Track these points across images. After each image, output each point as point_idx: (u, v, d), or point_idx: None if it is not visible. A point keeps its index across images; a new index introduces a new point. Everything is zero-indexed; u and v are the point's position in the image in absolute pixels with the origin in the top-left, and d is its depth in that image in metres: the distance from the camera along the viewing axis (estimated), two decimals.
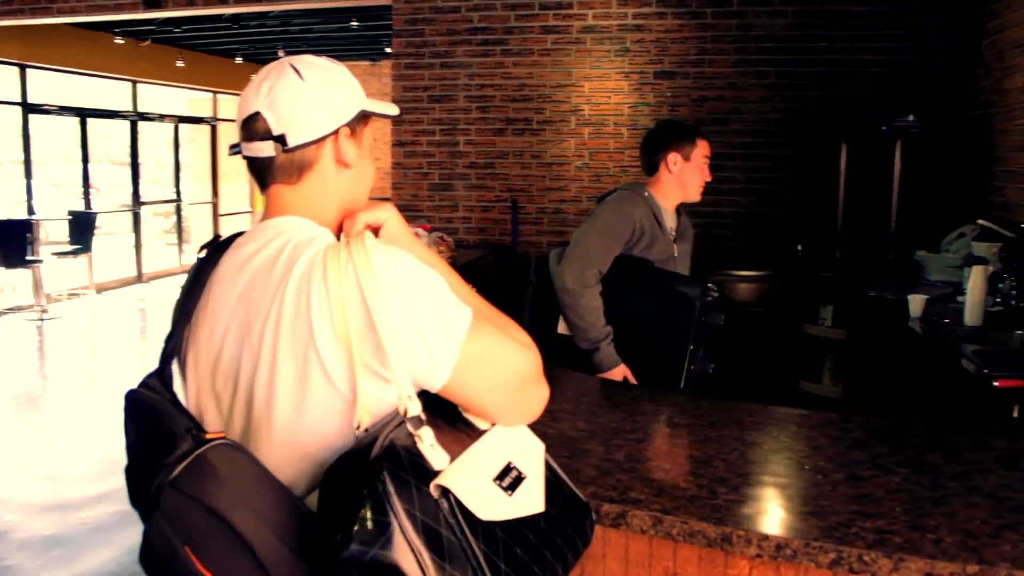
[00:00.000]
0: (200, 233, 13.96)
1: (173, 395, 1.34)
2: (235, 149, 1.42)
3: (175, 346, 1.38)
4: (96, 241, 10.48)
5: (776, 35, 6.19)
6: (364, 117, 1.43)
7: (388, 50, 11.01)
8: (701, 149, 3.24)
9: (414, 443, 1.17)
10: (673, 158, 3.24)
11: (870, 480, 1.71)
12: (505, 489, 1.23)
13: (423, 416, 1.20)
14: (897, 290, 4.57)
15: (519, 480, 1.26)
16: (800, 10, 6.13)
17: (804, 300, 5.56)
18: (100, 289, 11.05)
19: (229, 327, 1.31)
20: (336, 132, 1.37)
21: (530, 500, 1.26)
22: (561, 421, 2.05)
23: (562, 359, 2.81)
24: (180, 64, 11.70)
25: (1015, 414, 2.73)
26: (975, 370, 3.15)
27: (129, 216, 12.27)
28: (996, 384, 2.90)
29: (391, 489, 1.10)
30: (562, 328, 3.10)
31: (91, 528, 4.19)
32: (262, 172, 1.39)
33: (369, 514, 1.09)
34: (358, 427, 1.21)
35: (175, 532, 1.13)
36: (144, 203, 12.23)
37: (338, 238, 1.36)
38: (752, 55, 6.25)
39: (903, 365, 4.29)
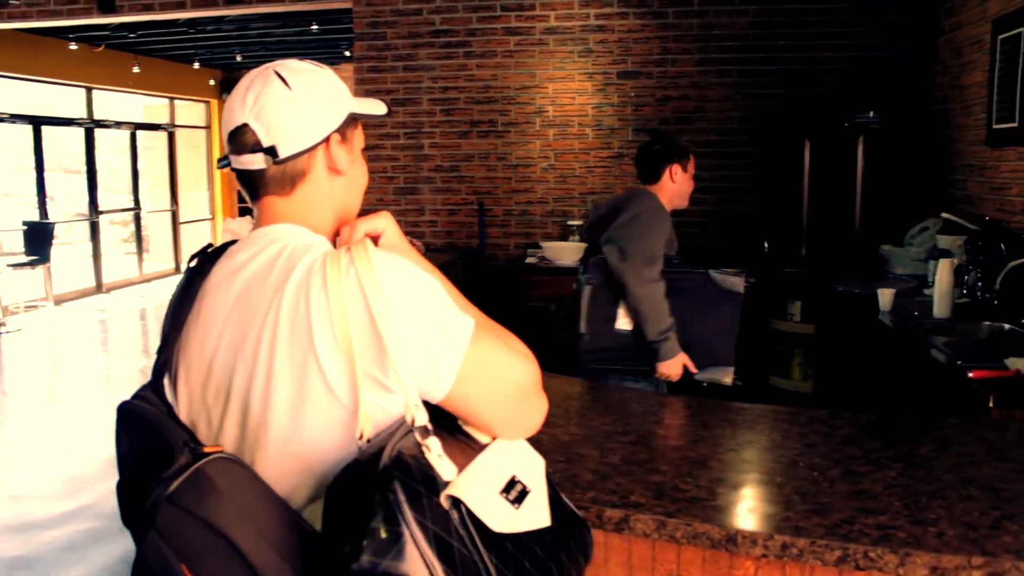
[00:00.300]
0: (160, 242, 13.75)
1: (169, 407, 1.31)
2: (223, 162, 1.38)
3: (167, 358, 1.35)
4: (52, 251, 10.29)
5: (737, 34, 6.25)
6: (353, 120, 1.41)
7: (347, 53, 10.97)
8: (692, 163, 3.62)
9: (422, 453, 1.15)
10: (675, 169, 3.53)
11: (866, 476, 1.72)
12: (512, 502, 1.21)
13: (430, 426, 1.18)
14: (863, 284, 4.63)
15: (524, 493, 1.24)
16: (761, 9, 6.18)
17: (772, 296, 5.61)
18: (59, 301, 10.84)
19: (222, 336, 1.28)
20: (327, 139, 1.34)
21: (536, 514, 1.24)
22: (553, 426, 2.04)
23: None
24: (136, 70, 11.52)
25: (991, 404, 2.76)
26: (946, 360, 3.19)
27: (85, 226, 12.06)
28: (971, 375, 2.93)
29: (402, 499, 1.08)
30: (622, 324, 3.29)
31: (61, 547, 4.10)
32: (253, 184, 1.35)
33: (381, 524, 1.06)
34: (360, 437, 1.18)
35: (171, 549, 1.10)
36: (103, 212, 12.01)
37: (335, 246, 1.34)
38: (714, 54, 6.29)
39: (874, 358, 4.34)
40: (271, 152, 1.30)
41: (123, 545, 4.07)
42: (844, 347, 4.82)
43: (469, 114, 6.63)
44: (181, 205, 13.81)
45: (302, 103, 1.31)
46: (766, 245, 5.86)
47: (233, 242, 1.38)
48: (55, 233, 10.40)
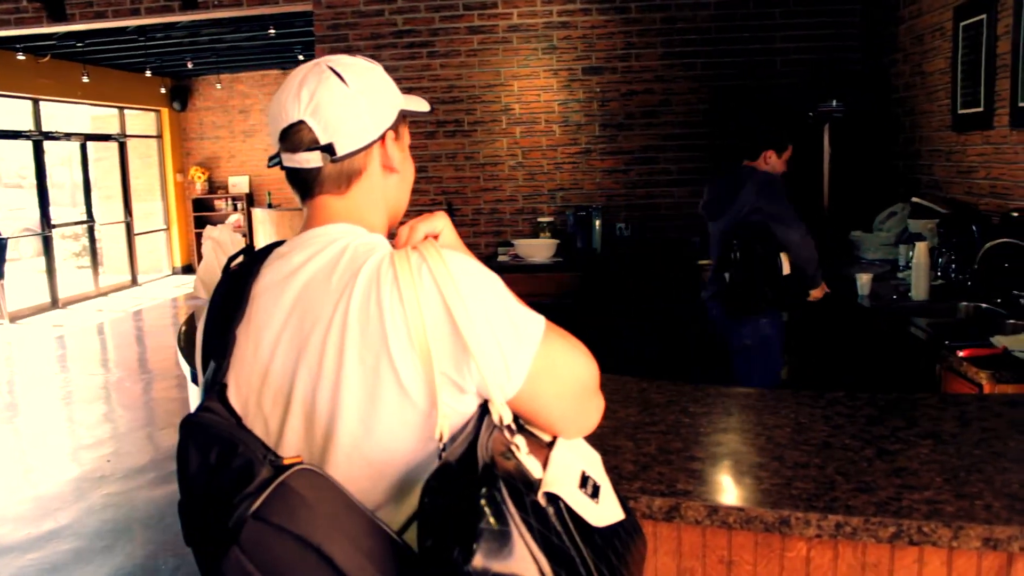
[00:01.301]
0: (115, 254, 13.47)
1: (238, 418, 1.24)
2: (274, 160, 1.35)
3: (227, 364, 1.29)
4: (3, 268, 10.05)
5: (700, 27, 6.31)
6: (403, 117, 1.39)
7: (301, 57, 10.86)
8: (789, 152, 4.28)
9: (512, 452, 1.14)
10: (770, 154, 4.24)
11: (900, 453, 1.75)
12: (590, 497, 1.21)
13: (514, 425, 1.18)
14: (835, 269, 4.70)
15: (598, 488, 1.24)
16: (722, 1, 6.26)
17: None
18: (13, 318, 10.59)
19: (279, 341, 1.24)
20: (383, 137, 1.33)
21: (613, 507, 1.24)
22: None
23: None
24: (85, 79, 11.28)
25: (982, 381, 2.83)
26: (929, 340, 3.25)
27: (34, 241, 11.78)
28: (960, 354, 2.99)
29: (507, 497, 1.06)
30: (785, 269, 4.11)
31: (45, 569, 4.00)
32: (307, 183, 1.32)
33: (492, 523, 1.04)
34: (440, 439, 1.16)
35: (257, 567, 1.06)
36: (55, 226, 11.74)
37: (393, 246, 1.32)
38: (678, 47, 6.35)
39: (854, 342, 4.42)
40: (328, 150, 1.28)
41: (108, 564, 3.99)
42: (821, 332, 4.90)
43: (435, 114, 6.61)
44: (135, 216, 13.56)
45: (359, 99, 1.29)
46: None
47: (279, 243, 1.34)
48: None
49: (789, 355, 4.80)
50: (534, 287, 5.97)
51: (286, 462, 1.12)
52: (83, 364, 8.70)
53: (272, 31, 8.97)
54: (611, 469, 1.70)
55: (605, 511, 1.22)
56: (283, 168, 1.33)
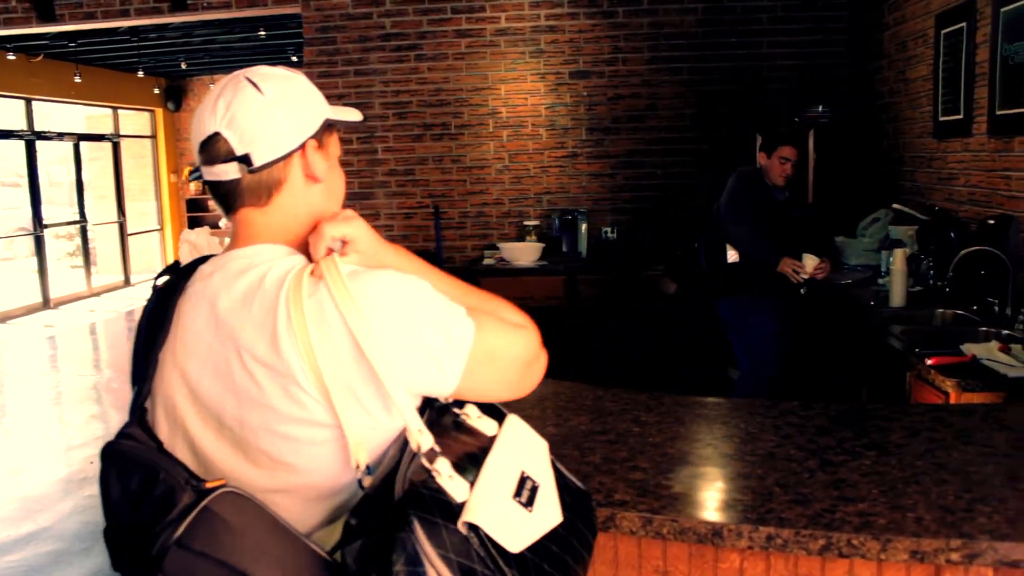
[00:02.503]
0: (108, 254, 13.48)
1: (159, 443, 1.24)
2: (195, 174, 1.32)
3: (148, 388, 1.28)
4: None
5: (687, 32, 6.32)
6: (329, 127, 1.36)
7: (294, 59, 10.86)
8: (784, 151, 4.61)
9: (432, 478, 1.13)
10: (761, 155, 4.70)
11: (843, 465, 1.75)
12: (525, 505, 1.20)
13: (436, 448, 1.16)
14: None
15: (535, 491, 1.23)
16: (709, 6, 6.27)
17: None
18: (4, 318, 10.59)
19: (205, 365, 1.22)
20: (303, 146, 1.29)
21: (549, 512, 1.24)
22: (531, 426, 2.04)
23: None
24: (78, 79, 11.28)
25: (948, 389, 2.83)
26: (903, 348, 3.26)
27: (27, 240, 11.79)
28: (929, 362, 3.00)
29: (421, 536, 1.07)
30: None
31: (23, 570, 4.01)
32: (228, 196, 1.29)
33: (403, 567, 1.05)
34: (357, 467, 1.16)
35: None
36: (47, 225, 11.75)
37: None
38: (664, 52, 6.36)
39: (837, 344, 4.43)
40: (245, 160, 1.25)
41: (86, 566, 4.00)
42: (803, 338, 4.91)
43: (422, 117, 6.61)
44: (129, 216, 13.55)
45: (276, 109, 1.26)
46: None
47: (204, 259, 1.32)
48: None
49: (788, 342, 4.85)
50: (519, 290, 5.97)
51: (209, 486, 1.12)
52: (74, 364, 8.71)
53: (262, 32, 8.97)
54: None
55: (539, 520, 1.21)
56: (204, 182, 1.32)
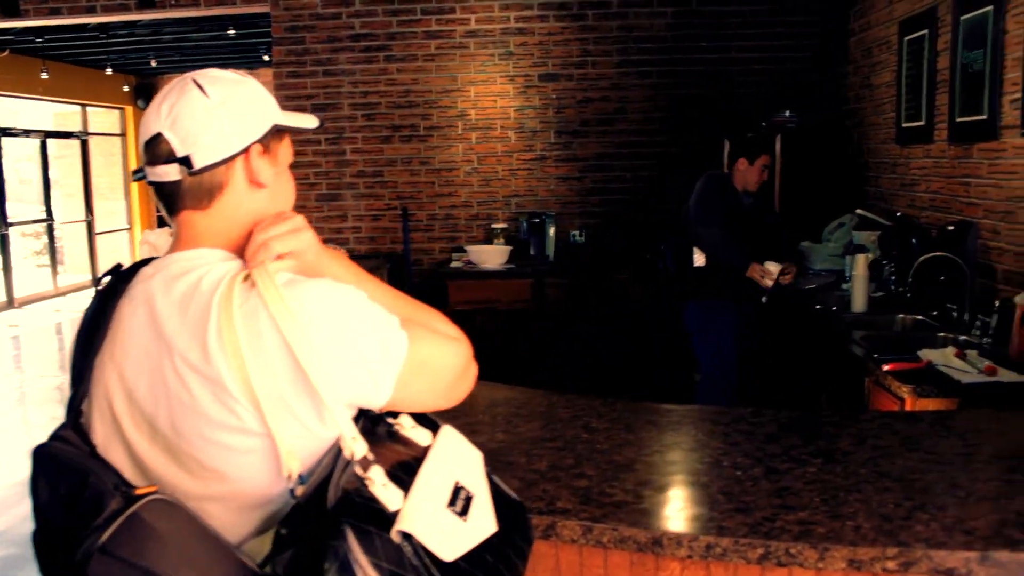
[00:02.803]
0: (75, 254, 13.32)
1: (92, 447, 1.22)
2: (139, 174, 1.31)
3: (85, 390, 1.27)
4: None
5: (657, 35, 6.33)
6: (279, 132, 1.35)
7: (266, 58, 10.78)
8: (763, 160, 4.69)
9: (365, 486, 1.13)
10: (741, 162, 4.72)
11: (788, 473, 1.75)
12: (459, 514, 1.20)
13: (370, 456, 1.16)
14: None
15: (469, 500, 1.23)
16: (679, 11, 6.28)
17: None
18: None
19: (141, 369, 1.21)
20: (247, 150, 1.28)
21: (483, 521, 1.24)
22: (480, 434, 2.04)
23: None
24: (44, 75, 11.14)
25: (904, 395, 2.84)
26: (863, 354, 3.27)
27: None
28: (886, 368, 3.01)
29: (354, 544, 1.06)
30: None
31: None
32: (170, 198, 1.28)
33: (333, 574, 1.05)
34: (289, 477, 1.15)
35: None
36: (12, 224, 11.59)
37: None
38: (634, 56, 6.37)
39: (802, 349, 4.45)
40: (186, 162, 1.24)
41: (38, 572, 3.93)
42: (765, 344, 4.93)
43: (391, 118, 6.59)
44: (97, 215, 13.38)
45: (219, 112, 1.25)
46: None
47: (146, 261, 1.31)
48: None
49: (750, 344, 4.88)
50: (486, 293, 5.97)
51: (139, 492, 1.10)
52: (37, 365, 8.60)
53: (232, 31, 8.90)
54: None
55: (473, 529, 1.21)
56: (149, 183, 1.30)
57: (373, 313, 1.22)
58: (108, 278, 1.33)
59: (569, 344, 5.97)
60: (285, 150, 1.37)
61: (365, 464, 1.15)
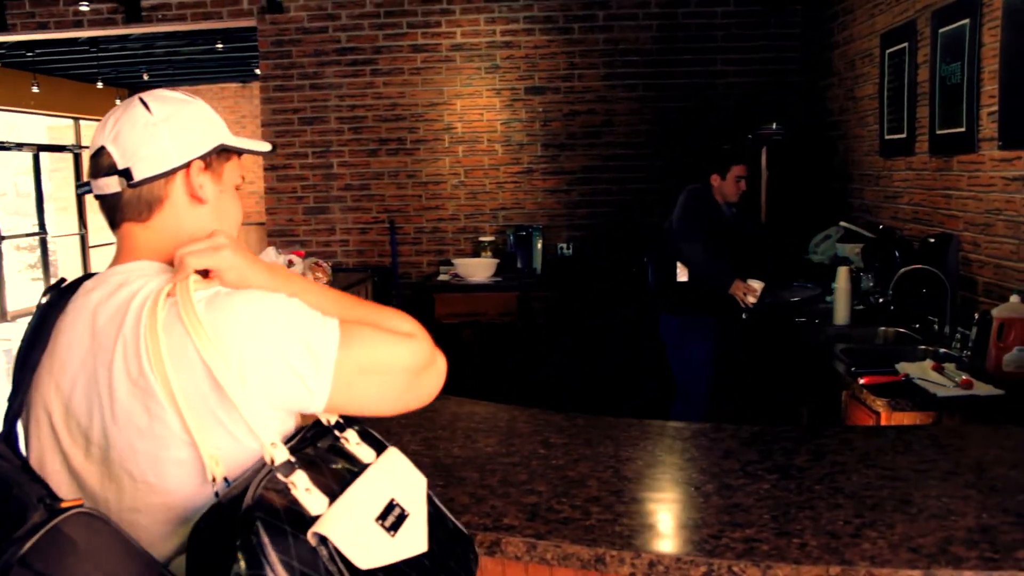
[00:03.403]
0: (70, 267, 13.30)
1: (23, 460, 1.22)
2: (83, 187, 1.35)
3: (22, 403, 1.28)
4: None
5: (642, 48, 6.34)
6: (225, 152, 1.37)
7: (257, 72, 10.79)
8: (737, 170, 4.63)
9: (288, 490, 1.13)
10: (715, 176, 4.67)
11: (741, 489, 1.73)
12: (388, 529, 1.19)
13: (293, 459, 1.16)
14: (770, 293, 4.72)
15: (402, 518, 1.22)
16: (664, 24, 6.29)
17: None
18: None
19: (78, 379, 1.23)
20: (188, 165, 1.31)
21: (413, 540, 1.23)
22: (436, 448, 2.02)
23: None
24: (35, 89, 11.14)
25: (879, 408, 2.82)
26: (843, 367, 3.26)
27: None
28: (862, 381, 2.99)
29: (265, 540, 1.06)
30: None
31: None
32: (112, 210, 1.32)
33: (243, 568, 1.04)
34: (213, 481, 1.16)
35: None
36: (5, 237, 11.59)
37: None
38: (620, 68, 6.37)
39: (775, 366, 4.43)
40: (125, 175, 1.28)
41: None
42: (744, 358, 4.92)
43: (377, 132, 6.59)
44: (91, 229, 13.38)
45: (161, 127, 1.29)
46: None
47: (90, 275, 1.33)
48: None
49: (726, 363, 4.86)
50: (474, 306, 5.95)
51: (64, 505, 1.09)
52: None
53: (220, 45, 8.92)
54: (445, 502, 1.67)
55: (401, 544, 1.20)
56: (95, 196, 1.33)
57: (298, 318, 1.23)
58: (50, 293, 1.34)
59: (555, 357, 5.96)
60: (232, 171, 1.40)
61: (287, 469, 1.15)
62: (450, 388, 2.69)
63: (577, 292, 6.03)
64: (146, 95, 1.33)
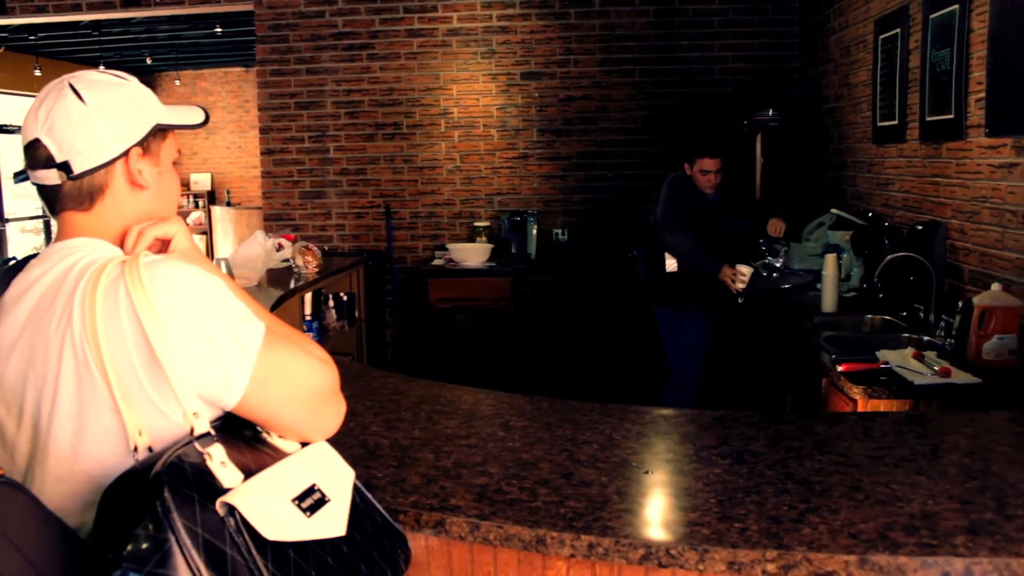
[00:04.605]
0: None
1: None
2: (21, 176, 1.36)
3: None
4: None
5: (638, 34, 6.31)
6: (161, 131, 1.38)
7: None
8: (702, 162, 4.61)
9: (203, 461, 1.15)
10: (686, 166, 4.71)
11: (691, 473, 1.73)
12: (304, 510, 1.20)
13: (213, 432, 1.18)
14: (763, 280, 4.72)
15: (322, 502, 1.23)
16: (661, 9, 6.26)
17: None
18: None
19: (13, 351, 1.25)
20: (126, 154, 1.32)
21: (331, 523, 1.24)
22: (396, 430, 2.02)
23: None
24: (38, 72, 11.16)
25: (856, 396, 2.81)
26: (827, 354, 3.25)
27: None
28: (840, 368, 2.98)
29: (171, 505, 1.07)
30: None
31: None
32: (52, 200, 1.33)
33: (144, 530, 1.05)
34: (135, 450, 1.17)
35: None
36: (9, 220, 11.64)
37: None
38: (616, 54, 6.35)
39: (762, 353, 4.43)
40: (64, 168, 1.28)
41: None
42: (734, 345, 4.92)
43: (374, 117, 6.58)
44: None
45: (96, 117, 1.29)
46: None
47: (35, 255, 1.35)
48: None
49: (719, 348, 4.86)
50: (467, 291, 5.96)
51: None
52: None
53: (218, 29, 8.91)
54: (396, 482, 1.69)
55: (316, 526, 1.21)
56: (34, 185, 1.34)
57: (231, 303, 1.25)
58: None
59: (548, 342, 5.96)
60: (169, 148, 1.42)
61: (207, 440, 1.17)
62: (441, 373, 2.71)
63: (571, 278, 6.02)
64: (75, 80, 1.32)
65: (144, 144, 1.34)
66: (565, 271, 6.05)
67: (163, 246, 1.36)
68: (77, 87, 1.30)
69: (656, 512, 1.57)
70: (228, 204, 13.32)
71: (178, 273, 1.22)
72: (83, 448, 1.20)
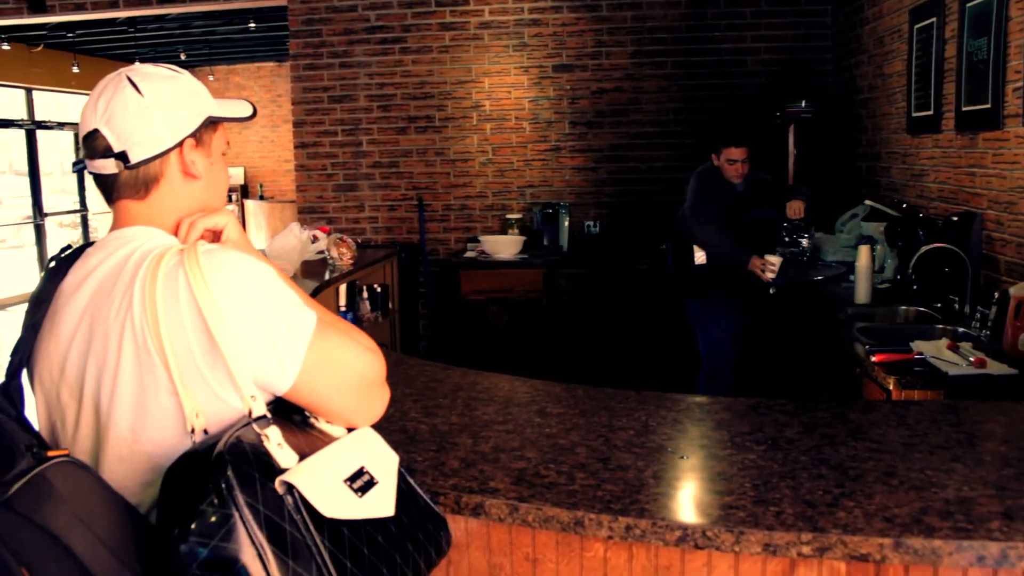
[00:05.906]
0: None
1: (19, 411, 1.30)
2: (79, 165, 1.41)
3: (22, 360, 1.36)
4: None
5: (671, 26, 6.30)
6: (212, 123, 1.43)
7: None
8: (728, 152, 4.61)
9: (261, 442, 1.19)
10: (713, 156, 4.72)
11: (726, 458, 1.75)
12: (356, 491, 1.24)
13: (269, 415, 1.22)
14: (797, 272, 4.70)
15: (371, 484, 1.27)
16: (692, 0, 6.23)
17: None
18: (3, 305, 10.67)
19: (75, 338, 1.30)
20: (180, 144, 1.37)
21: (380, 504, 1.28)
22: (435, 416, 2.06)
23: None
24: (76, 70, 11.34)
25: (890, 386, 2.82)
26: (861, 345, 3.25)
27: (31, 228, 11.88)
28: (874, 359, 2.98)
29: (234, 483, 1.11)
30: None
31: None
32: (109, 188, 1.38)
33: (210, 506, 1.09)
34: (192, 432, 1.21)
35: (10, 552, 1.10)
36: (47, 214, 11.84)
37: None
38: (648, 46, 6.34)
39: (796, 344, 4.42)
40: (122, 157, 1.33)
41: None
42: (767, 335, 4.90)
43: (406, 110, 6.62)
44: None
45: (153, 109, 1.33)
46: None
47: (92, 243, 1.40)
48: (2, 236, 10.23)
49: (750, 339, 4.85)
50: (500, 283, 6.00)
51: (51, 454, 1.17)
52: None
53: (252, 25, 9.00)
54: (436, 466, 1.73)
55: (367, 506, 1.25)
56: (90, 173, 1.39)
57: (285, 293, 1.29)
58: (55, 259, 1.41)
59: (581, 334, 5.98)
60: (219, 140, 1.46)
61: (264, 422, 1.21)
62: (474, 364, 2.74)
63: (604, 270, 6.03)
64: (132, 73, 1.37)
65: (197, 135, 1.39)
66: (597, 263, 6.06)
67: (215, 237, 1.41)
68: (134, 79, 1.35)
69: (692, 495, 1.60)
70: (261, 198, 13.46)
71: (235, 261, 1.27)
72: (142, 429, 1.24)
